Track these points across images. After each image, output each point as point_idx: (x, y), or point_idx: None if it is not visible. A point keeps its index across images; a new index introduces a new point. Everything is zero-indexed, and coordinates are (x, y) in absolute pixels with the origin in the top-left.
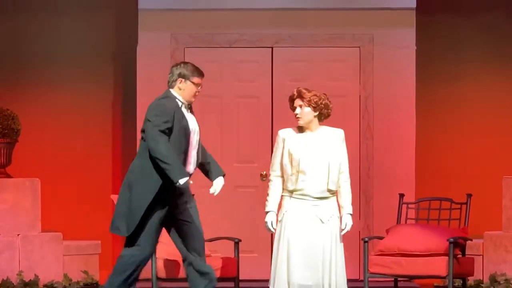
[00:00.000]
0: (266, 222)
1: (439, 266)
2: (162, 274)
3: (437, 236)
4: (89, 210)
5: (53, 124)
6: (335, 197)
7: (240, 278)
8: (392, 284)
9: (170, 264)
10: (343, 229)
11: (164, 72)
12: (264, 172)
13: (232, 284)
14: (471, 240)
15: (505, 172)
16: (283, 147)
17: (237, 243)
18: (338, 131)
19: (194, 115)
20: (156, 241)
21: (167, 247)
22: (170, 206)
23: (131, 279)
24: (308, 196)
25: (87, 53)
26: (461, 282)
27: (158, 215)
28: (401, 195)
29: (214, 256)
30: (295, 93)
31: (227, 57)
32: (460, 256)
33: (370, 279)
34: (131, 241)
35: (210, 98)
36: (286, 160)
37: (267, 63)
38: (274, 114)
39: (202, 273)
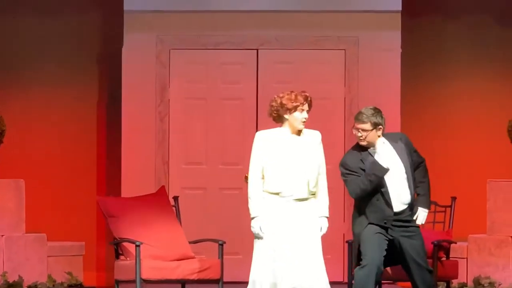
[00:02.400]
0: (253, 228)
1: None
2: (146, 275)
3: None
4: (74, 211)
5: (38, 125)
6: (314, 198)
7: (225, 280)
8: (376, 286)
9: (154, 265)
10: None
11: (149, 74)
12: (247, 174)
13: (216, 286)
14: (456, 243)
15: (490, 175)
16: (264, 149)
17: (221, 245)
18: (315, 133)
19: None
20: None
21: (151, 248)
22: None
23: None
24: (289, 198)
25: (73, 54)
26: (445, 285)
27: None
28: None
29: (198, 258)
30: None
31: (212, 59)
32: (444, 259)
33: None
34: None
35: (195, 100)
36: (265, 162)
37: (253, 65)
38: (259, 116)
39: None
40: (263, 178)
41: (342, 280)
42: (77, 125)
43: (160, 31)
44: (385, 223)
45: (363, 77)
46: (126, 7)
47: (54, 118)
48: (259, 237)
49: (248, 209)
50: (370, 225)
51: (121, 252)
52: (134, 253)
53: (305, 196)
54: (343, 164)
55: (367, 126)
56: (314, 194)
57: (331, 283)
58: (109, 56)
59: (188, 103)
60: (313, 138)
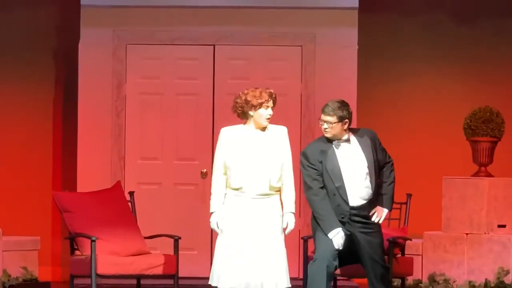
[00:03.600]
0: (211, 223)
1: None
2: (101, 270)
3: None
4: (29, 206)
5: None
6: (278, 195)
7: (180, 275)
8: (331, 283)
9: (109, 260)
10: (285, 228)
11: (106, 69)
12: (205, 170)
13: (171, 281)
14: (411, 240)
15: (445, 172)
16: (226, 146)
17: (176, 240)
18: (281, 128)
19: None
20: None
21: (107, 243)
22: None
23: None
24: (250, 194)
25: (29, 49)
26: (400, 281)
27: None
28: None
29: (154, 254)
30: None
31: (168, 54)
32: (399, 255)
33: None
34: None
35: (150, 96)
36: (227, 158)
37: (209, 60)
38: (215, 112)
39: None
40: (225, 174)
41: (297, 276)
42: (33, 120)
43: (117, 26)
44: (342, 217)
45: (320, 73)
46: (82, 1)
47: (10, 112)
48: (218, 233)
49: (205, 204)
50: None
51: (76, 247)
52: (90, 248)
53: (267, 192)
54: (303, 154)
55: (333, 119)
56: (277, 191)
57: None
58: (65, 51)
59: (144, 98)
60: (278, 133)
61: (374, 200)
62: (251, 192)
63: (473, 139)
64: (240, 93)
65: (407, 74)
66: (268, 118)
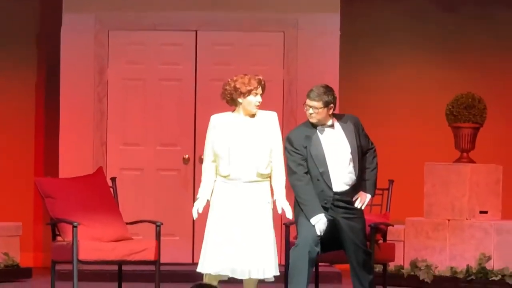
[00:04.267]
0: (193, 207)
1: None
2: (83, 256)
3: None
4: (11, 191)
5: None
6: (268, 181)
7: (161, 261)
8: (313, 268)
9: (91, 246)
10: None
11: (88, 54)
12: (187, 156)
13: (153, 267)
14: (393, 225)
15: (427, 158)
16: (215, 133)
17: (158, 226)
18: (270, 114)
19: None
20: None
21: (88, 229)
22: None
23: None
24: (240, 181)
25: (11, 34)
26: (382, 267)
27: None
28: None
29: (136, 239)
30: None
31: (151, 40)
32: (381, 241)
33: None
34: None
35: (133, 81)
36: (216, 146)
37: (191, 46)
38: (197, 98)
39: None
40: (214, 161)
41: (279, 262)
42: (15, 105)
43: (99, 11)
44: (325, 203)
45: (302, 59)
46: None
47: None
48: (194, 217)
49: (188, 190)
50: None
51: (58, 233)
52: (71, 234)
53: (255, 179)
54: (288, 139)
55: (318, 104)
56: (266, 178)
57: None
58: (47, 36)
59: (126, 84)
60: (268, 119)
61: (357, 186)
62: (239, 179)
63: (455, 125)
64: (229, 79)
65: (390, 60)
66: (257, 105)
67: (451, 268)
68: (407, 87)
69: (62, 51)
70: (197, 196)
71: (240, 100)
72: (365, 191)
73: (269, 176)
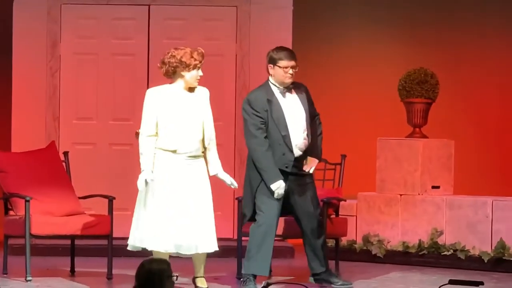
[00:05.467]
0: (139, 180)
1: None
2: (35, 231)
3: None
4: None
5: None
6: (203, 156)
7: (114, 235)
8: None
9: (43, 220)
10: (230, 184)
11: (40, 29)
12: (139, 130)
13: (105, 241)
14: (345, 200)
15: (380, 133)
16: (156, 106)
17: (111, 200)
18: (204, 89)
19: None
20: None
21: (41, 204)
22: None
23: None
24: (183, 155)
25: None
26: (334, 242)
27: None
28: None
29: (88, 214)
30: None
31: (104, 14)
32: (333, 216)
33: (243, 238)
34: None
35: (86, 56)
36: (159, 118)
37: (144, 20)
38: (150, 72)
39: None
40: (156, 135)
41: (232, 236)
42: None
43: None
44: (286, 167)
45: (255, 34)
46: None
47: None
48: (140, 190)
49: (139, 165)
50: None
51: (10, 207)
52: (24, 208)
53: (199, 153)
54: (247, 101)
55: (296, 62)
56: (203, 152)
57: (220, 239)
58: None
59: (79, 58)
60: (204, 94)
61: (307, 152)
62: (184, 153)
63: (407, 100)
64: (172, 51)
65: (342, 35)
66: (198, 79)
67: (403, 243)
68: (359, 62)
69: (15, 24)
70: (143, 168)
71: (183, 73)
72: (311, 155)
73: (204, 151)
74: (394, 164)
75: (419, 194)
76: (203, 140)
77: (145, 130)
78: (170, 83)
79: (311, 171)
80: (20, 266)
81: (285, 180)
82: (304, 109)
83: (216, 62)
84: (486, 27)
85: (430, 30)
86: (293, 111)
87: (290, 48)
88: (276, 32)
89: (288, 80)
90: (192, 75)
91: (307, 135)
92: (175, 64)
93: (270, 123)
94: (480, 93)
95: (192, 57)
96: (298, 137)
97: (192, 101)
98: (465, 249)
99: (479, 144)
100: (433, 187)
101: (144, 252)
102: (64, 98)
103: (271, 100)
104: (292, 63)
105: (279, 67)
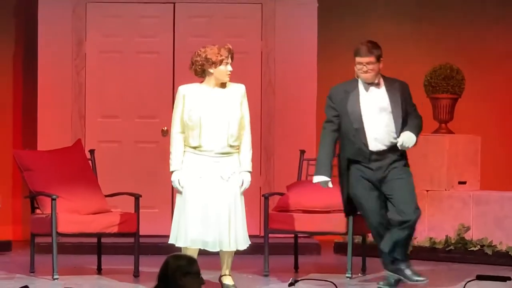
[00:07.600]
0: (173, 182)
1: (339, 222)
2: (62, 229)
3: (337, 193)
4: None
5: None
6: (237, 153)
7: (140, 233)
8: (292, 240)
9: (70, 219)
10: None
11: (66, 27)
12: (165, 128)
13: (132, 239)
14: None
15: None
16: (184, 103)
17: (137, 198)
18: (239, 86)
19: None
20: None
21: (67, 202)
22: None
23: None
24: (209, 152)
25: None
26: (361, 238)
27: None
28: (302, 152)
29: (114, 212)
30: None
31: (129, 12)
32: (359, 212)
33: (270, 235)
34: None
35: (111, 54)
36: (186, 116)
37: (169, 18)
38: (175, 70)
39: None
40: (183, 132)
41: (258, 233)
42: None
43: None
44: (363, 159)
45: (280, 31)
46: None
47: None
48: (178, 192)
49: (166, 162)
50: (358, 178)
51: (37, 206)
52: (50, 207)
53: (226, 150)
54: (330, 92)
55: (371, 59)
56: (236, 150)
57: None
58: (25, 8)
59: (104, 56)
60: (237, 91)
61: (395, 149)
62: (211, 150)
63: (433, 96)
64: (198, 51)
65: (368, 31)
66: (229, 74)
67: (430, 238)
68: (385, 57)
69: (40, 23)
70: (173, 169)
71: (211, 70)
72: (408, 130)
73: (238, 148)
74: (420, 160)
75: (445, 190)
76: (234, 137)
77: (172, 128)
78: (201, 82)
79: (403, 144)
80: (47, 265)
81: (370, 173)
82: (391, 102)
83: (241, 59)
84: None
85: (456, 26)
86: (375, 105)
87: (315, 45)
88: (302, 28)
89: (364, 76)
90: (219, 71)
91: (396, 128)
92: (201, 62)
93: (344, 116)
94: (506, 88)
95: (218, 53)
96: (377, 132)
97: (222, 98)
98: (492, 245)
99: (505, 139)
100: (460, 182)
101: (175, 249)
102: (89, 96)
103: (349, 92)
104: (366, 59)
105: (356, 62)
